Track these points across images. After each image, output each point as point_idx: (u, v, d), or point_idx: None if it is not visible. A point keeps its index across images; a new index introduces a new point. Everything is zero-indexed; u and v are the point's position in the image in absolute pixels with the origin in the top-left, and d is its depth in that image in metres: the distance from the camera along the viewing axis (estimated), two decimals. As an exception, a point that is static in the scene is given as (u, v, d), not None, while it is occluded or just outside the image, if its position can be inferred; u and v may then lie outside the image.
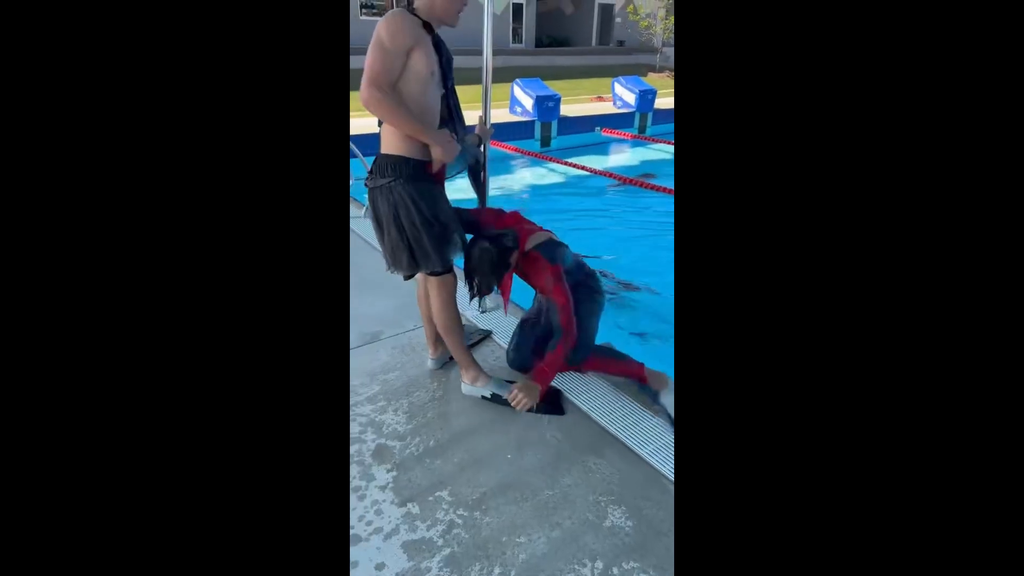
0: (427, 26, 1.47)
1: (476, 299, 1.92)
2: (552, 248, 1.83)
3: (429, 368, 2.04)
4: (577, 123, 7.74)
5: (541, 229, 1.89)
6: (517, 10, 18.40)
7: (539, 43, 19.67)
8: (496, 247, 1.73)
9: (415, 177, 1.53)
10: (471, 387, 1.85)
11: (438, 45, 1.52)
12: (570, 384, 1.95)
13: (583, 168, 5.59)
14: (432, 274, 1.67)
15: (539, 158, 6.37)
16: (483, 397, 1.84)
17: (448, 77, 1.59)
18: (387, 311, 2.42)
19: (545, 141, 7.37)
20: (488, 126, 2.12)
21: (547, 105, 7.26)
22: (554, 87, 7.83)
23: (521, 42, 18.98)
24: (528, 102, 7.30)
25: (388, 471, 1.57)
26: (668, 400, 1.86)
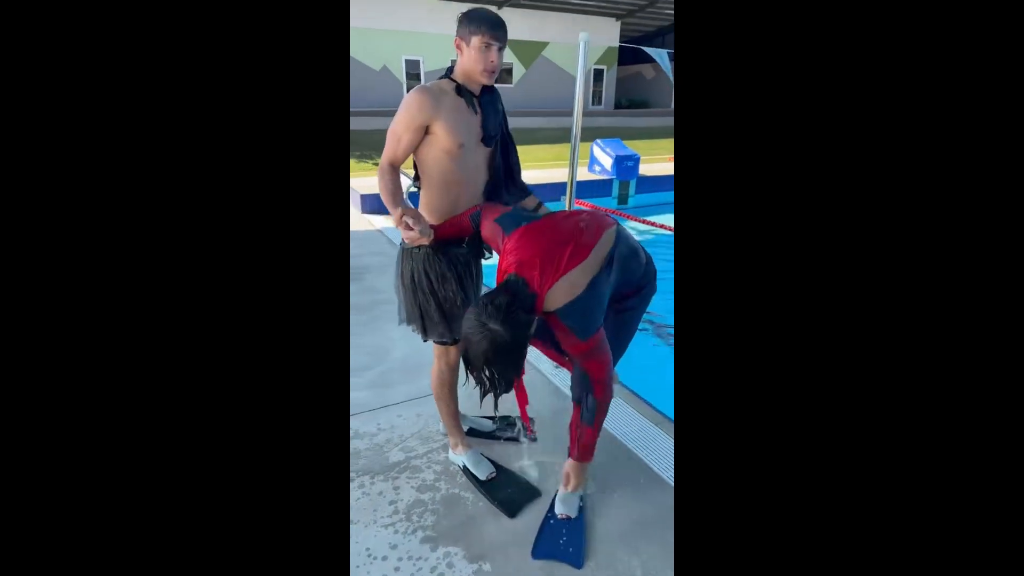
0: (462, 90, 1.45)
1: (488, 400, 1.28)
2: (582, 313, 1.24)
3: (442, 431, 1.97)
4: (655, 182, 7.75)
5: (570, 255, 1.23)
6: (598, 74, 19.07)
7: (618, 104, 20.17)
8: (506, 324, 1.13)
9: (433, 246, 1.51)
10: (452, 454, 1.81)
11: (482, 104, 1.48)
12: (647, 449, 1.88)
13: (660, 226, 5.57)
14: (437, 342, 1.65)
15: (616, 215, 6.42)
16: (461, 467, 1.77)
17: (491, 136, 1.52)
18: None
19: (622, 199, 7.41)
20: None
21: (626, 164, 7.35)
22: (632, 147, 7.94)
23: (601, 103, 19.54)
24: (607, 161, 7.42)
25: (460, 523, 1.56)
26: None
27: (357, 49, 14.64)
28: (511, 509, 1.61)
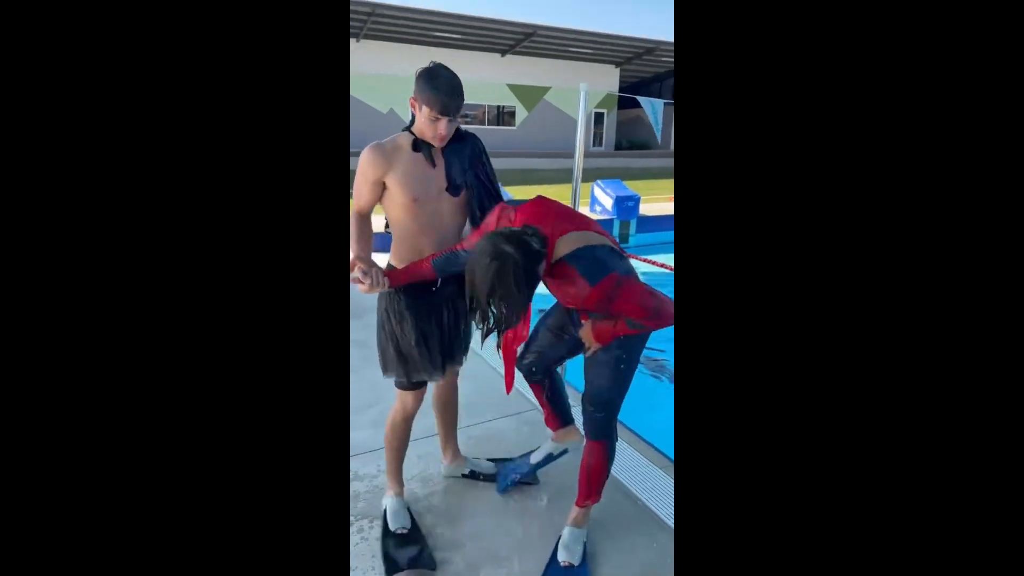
0: (419, 144, 1.45)
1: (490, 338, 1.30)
2: (592, 259, 1.27)
3: (443, 475, 1.95)
4: (655, 222, 7.85)
5: (579, 225, 1.33)
6: (598, 117, 19.57)
7: (618, 146, 20.61)
8: (519, 248, 1.17)
9: (396, 288, 1.52)
10: (387, 497, 1.74)
11: (446, 155, 1.49)
12: (651, 493, 1.84)
13: (659, 264, 5.61)
14: (397, 385, 1.64)
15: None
16: (383, 511, 1.70)
17: (456, 185, 1.51)
18: (464, 398, 2.43)
19: (623, 239, 7.50)
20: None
21: (627, 205, 7.47)
22: (632, 187, 8.07)
23: (601, 145, 19.97)
24: (608, 202, 7.55)
25: (462, 571, 1.51)
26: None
27: (365, 93, 15.09)
28: (390, 568, 1.51)
